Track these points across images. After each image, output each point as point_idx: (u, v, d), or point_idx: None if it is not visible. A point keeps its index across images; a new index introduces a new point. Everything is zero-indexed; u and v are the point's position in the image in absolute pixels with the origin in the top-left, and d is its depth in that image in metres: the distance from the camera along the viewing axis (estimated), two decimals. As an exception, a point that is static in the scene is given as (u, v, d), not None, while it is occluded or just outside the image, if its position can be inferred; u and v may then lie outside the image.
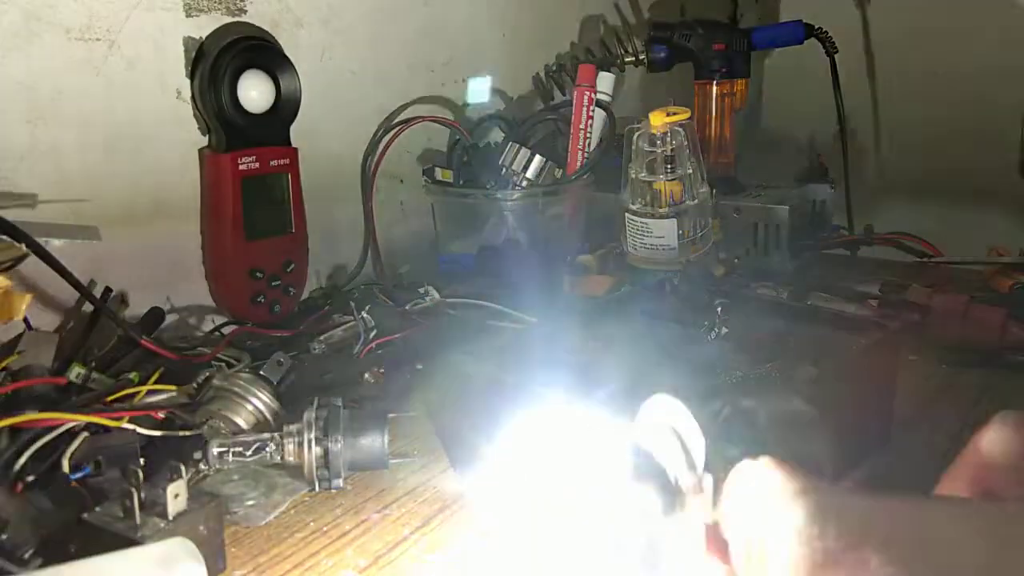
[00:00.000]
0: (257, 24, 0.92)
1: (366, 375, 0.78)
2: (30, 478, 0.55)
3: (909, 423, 0.65)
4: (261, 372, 0.69)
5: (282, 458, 0.57)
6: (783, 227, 1.06)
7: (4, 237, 0.66)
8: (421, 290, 0.98)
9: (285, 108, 0.92)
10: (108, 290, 0.78)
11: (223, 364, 0.76)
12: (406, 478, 0.61)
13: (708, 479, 0.24)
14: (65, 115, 0.78)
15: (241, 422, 0.62)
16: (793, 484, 0.23)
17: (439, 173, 1.10)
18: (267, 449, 0.57)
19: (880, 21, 1.54)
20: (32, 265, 0.69)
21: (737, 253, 1.06)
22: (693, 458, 0.24)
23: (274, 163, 0.92)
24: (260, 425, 0.63)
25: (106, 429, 0.60)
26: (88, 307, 0.76)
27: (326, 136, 1.03)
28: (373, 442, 0.59)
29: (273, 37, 0.94)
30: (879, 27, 1.54)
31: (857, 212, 1.19)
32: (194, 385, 0.69)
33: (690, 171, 0.93)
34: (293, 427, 0.58)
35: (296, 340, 0.85)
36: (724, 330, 0.66)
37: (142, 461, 0.56)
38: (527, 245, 1.08)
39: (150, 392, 0.69)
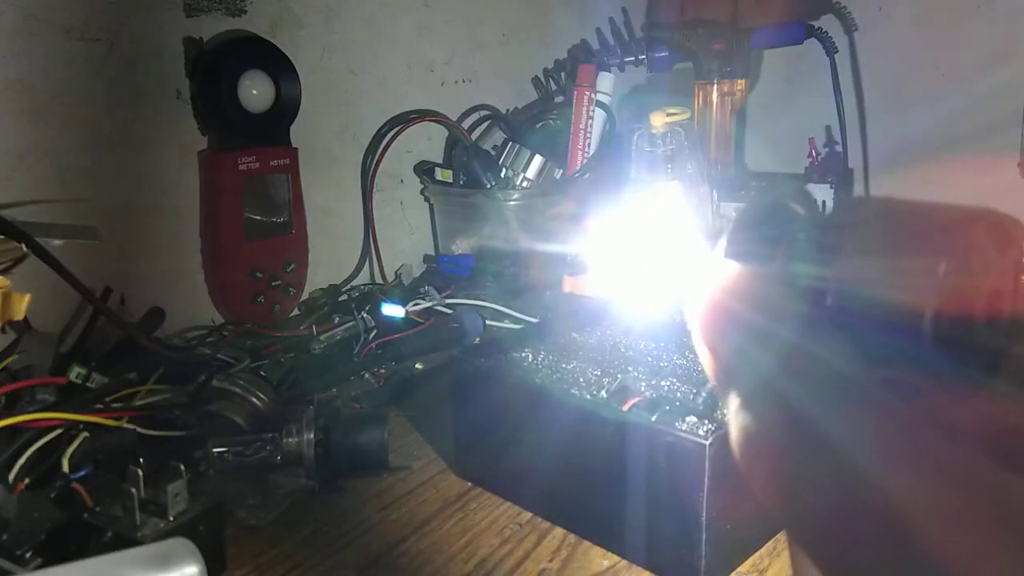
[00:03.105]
0: (257, 24, 0.92)
1: (366, 375, 0.78)
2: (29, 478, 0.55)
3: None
4: (261, 372, 0.69)
5: (282, 458, 0.57)
6: (783, 227, 1.05)
7: (4, 237, 0.66)
8: (421, 290, 0.98)
9: (285, 108, 0.92)
10: (108, 290, 0.78)
11: (223, 364, 0.76)
12: (406, 478, 0.61)
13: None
14: (65, 115, 0.78)
15: (241, 422, 0.62)
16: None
17: (439, 173, 1.10)
18: (267, 449, 0.57)
19: (880, 21, 1.54)
20: (32, 265, 0.69)
21: (737, 253, 1.05)
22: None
23: (274, 163, 0.92)
24: (260, 425, 0.63)
25: (106, 429, 0.60)
26: (88, 307, 0.76)
27: (326, 136, 1.03)
28: (373, 441, 0.59)
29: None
30: (878, 26, 1.54)
31: (857, 212, 1.18)
32: (194, 385, 0.70)
33: (690, 171, 0.93)
34: (293, 427, 0.58)
35: (296, 340, 0.85)
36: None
37: (142, 461, 0.56)
38: (527, 245, 1.08)
39: (150, 392, 0.69)
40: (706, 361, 0.20)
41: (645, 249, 0.25)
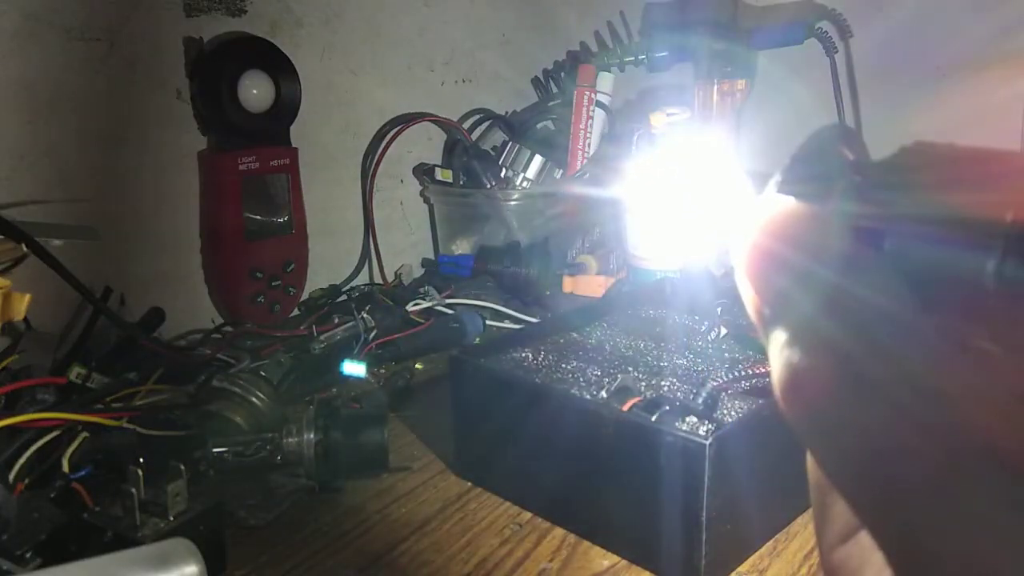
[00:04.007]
0: (257, 24, 0.92)
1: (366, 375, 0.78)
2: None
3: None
4: (261, 372, 0.69)
5: (282, 458, 0.57)
6: (783, 227, 1.05)
7: (4, 237, 0.66)
8: (421, 290, 0.98)
9: (285, 108, 0.92)
10: (108, 290, 0.78)
11: (223, 364, 0.76)
12: (406, 478, 0.61)
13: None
14: (65, 115, 0.78)
15: (241, 422, 0.62)
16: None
17: (439, 173, 1.10)
18: (267, 449, 0.57)
19: (880, 20, 1.54)
20: (32, 265, 0.69)
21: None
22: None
23: (274, 163, 0.92)
24: (260, 425, 0.63)
25: (106, 429, 0.61)
26: (88, 307, 0.76)
27: (326, 136, 1.03)
28: (373, 442, 0.59)
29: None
30: (879, 26, 1.54)
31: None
32: (194, 385, 0.70)
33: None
34: (293, 427, 0.58)
35: (296, 340, 0.85)
36: (724, 331, 0.66)
37: (142, 461, 0.56)
38: (527, 245, 1.08)
39: (150, 392, 0.69)
40: (749, 301, 0.20)
41: (689, 189, 0.25)
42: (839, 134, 0.22)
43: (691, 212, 0.25)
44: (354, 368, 0.74)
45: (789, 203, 0.20)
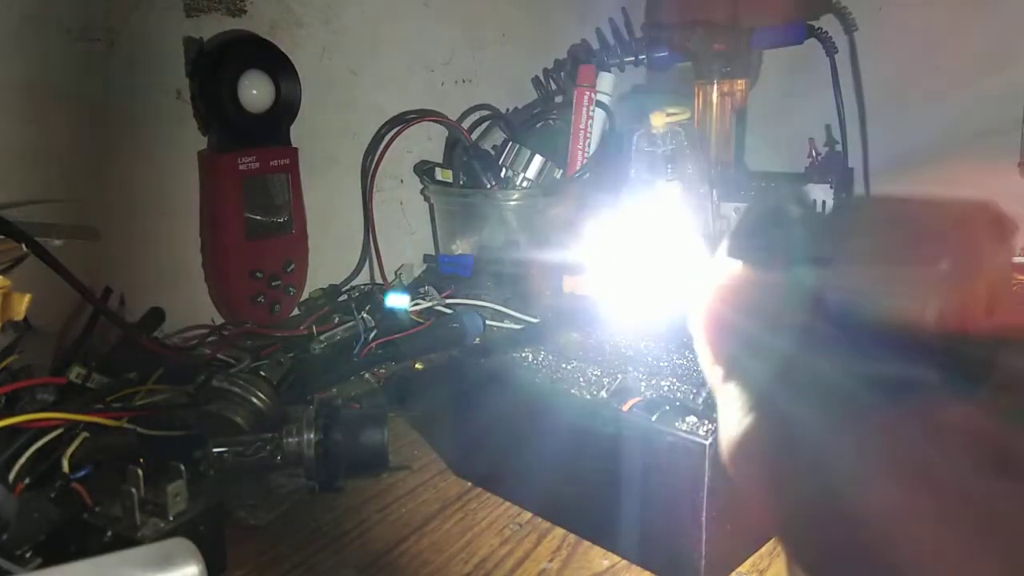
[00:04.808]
0: (257, 24, 0.92)
1: (366, 375, 0.78)
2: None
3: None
4: (261, 372, 0.69)
5: (282, 458, 0.57)
6: (783, 227, 1.05)
7: (4, 237, 0.66)
8: (421, 290, 0.98)
9: (285, 108, 0.92)
10: (108, 290, 0.78)
11: (223, 364, 0.76)
12: (406, 478, 0.61)
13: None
14: (65, 115, 0.78)
15: (241, 422, 0.62)
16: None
17: (439, 173, 1.10)
18: (267, 449, 0.57)
19: (880, 21, 1.54)
20: (32, 265, 0.69)
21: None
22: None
23: (274, 163, 0.92)
24: (260, 425, 0.63)
25: (106, 429, 0.61)
26: (88, 307, 0.76)
27: (326, 136, 1.03)
28: (373, 442, 0.59)
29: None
30: (879, 26, 1.54)
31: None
32: (194, 385, 0.70)
33: (690, 171, 0.93)
34: (293, 427, 0.58)
35: (296, 340, 0.85)
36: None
37: (142, 461, 0.56)
38: (527, 245, 1.08)
39: (150, 392, 0.69)
40: (706, 364, 0.21)
41: (645, 252, 0.25)
42: (787, 197, 0.23)
43: (650, 275, 0.25)
44: (398, 300, 0.72)
45: (737, 268, 0.21)
